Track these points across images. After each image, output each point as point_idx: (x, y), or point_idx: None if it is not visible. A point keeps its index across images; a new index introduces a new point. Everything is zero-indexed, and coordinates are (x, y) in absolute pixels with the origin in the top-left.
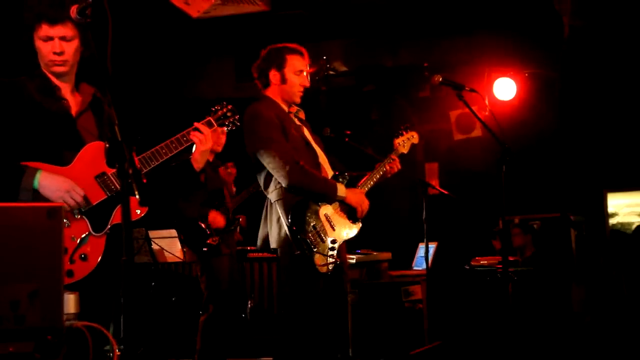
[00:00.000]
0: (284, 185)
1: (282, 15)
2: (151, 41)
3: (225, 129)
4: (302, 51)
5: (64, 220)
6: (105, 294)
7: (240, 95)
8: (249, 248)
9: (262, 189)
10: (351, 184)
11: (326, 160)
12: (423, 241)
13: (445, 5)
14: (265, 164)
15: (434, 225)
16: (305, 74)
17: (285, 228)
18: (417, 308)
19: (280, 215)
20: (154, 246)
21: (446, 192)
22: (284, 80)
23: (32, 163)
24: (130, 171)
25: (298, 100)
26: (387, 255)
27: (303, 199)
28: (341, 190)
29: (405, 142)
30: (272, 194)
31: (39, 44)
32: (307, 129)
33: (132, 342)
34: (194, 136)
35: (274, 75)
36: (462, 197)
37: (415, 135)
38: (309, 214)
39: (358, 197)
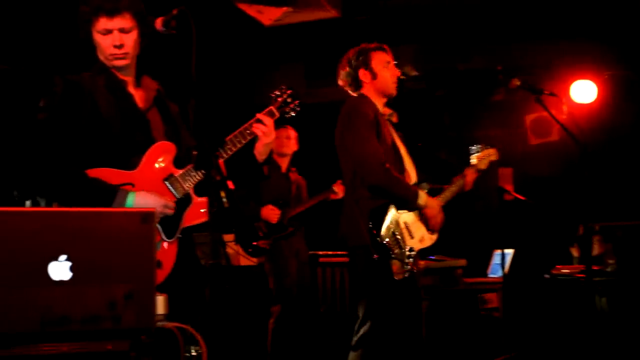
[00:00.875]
0: (366, 183)
1: (352, 21)
2: (221, 48)
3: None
4: (382, 46)
5: None
6: (181, 299)
7: (311, 101)
8: (320, 253)
9: (346, 185)
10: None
11: (413, 168)
12: (499, 248)
13: (518, 7)
14: (352, 158)
15: (510, 231)
16: (393, 64)
17: (365, 229)
18: (494, 316)
19: (361, 215)
20: (229, 249)
21: (523, 198)
22: (374, 75)
23: (104, 169)
24: (218, 178)
25: (394, 92)
26: (462, 261)
27: (384, 203)
28: (422, 198)
29: (484, 158)
30: (355, 192)
31: (97, 37)
32: (397, 134)
33: (218, 344)
34: (257, 128)
35: (363, 75)
36: (539, 203)
37: (494, 152)
38: (389, 219)
39: (435, 209)
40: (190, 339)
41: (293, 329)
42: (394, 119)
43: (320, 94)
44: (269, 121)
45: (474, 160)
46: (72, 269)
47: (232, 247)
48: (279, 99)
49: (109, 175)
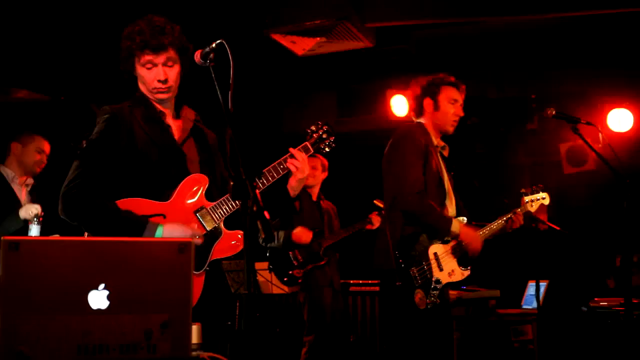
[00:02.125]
0: (399, 207)
1: (384, 51)
2: (254, 78)
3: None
4: (458, 84)
5: None
6: (210, 329)
7: (342, 130)
8: (351, 282)
9: (385, 209)
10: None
11: (453, 202)
12: (533, 279)
13: (551, 35)
14: (392, 182)
15: (545, 262)
16: (459, 104)
17: (391, 259)
18: (528, 349)
19: (392, 239)
20: (259, 277)
21: (557, 228)
22: (437, 107)
23: (137, 200)
24: (255, 208)
25: (451, 129)
26: (495, 292)
27: (415, 231)
28: (455, 226)
29: (535, 202)
30: (390, 217)
31: (141, 70)
32: (446, 167)
33: None
34: (291, 164)
35: (427, 104)
36: (574, 233)
37: (547, 197)
38: (417, 248)
39: (473, 235)
40: None
41: (325, 358)
42: (445, 153)
43: (352, 123)
44: (303, 157)
45: (526, 202)
46: (109, 297)
47: (263, 275)
48: (315, 135)
49: (142, 205)
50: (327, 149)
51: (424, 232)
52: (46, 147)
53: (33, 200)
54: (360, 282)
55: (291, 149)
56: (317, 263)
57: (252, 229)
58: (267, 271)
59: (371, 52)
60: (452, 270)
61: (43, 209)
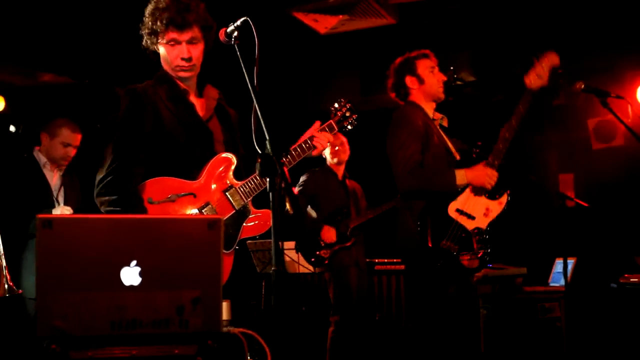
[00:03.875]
0: (400, 190)
1: (408, 27)
2: (276, 57)
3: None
4: (426, 53)
5: None
6: (237, 308)
7: (366, 108)
8: (376, 260)
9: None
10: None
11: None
12: (561, 256)
13: (579, 10)
14: (393, 168)
15: (572, 239)
16: (437, 69)
17: (414, 238)
18: (555, 326)
19: (411, 224)
20: (286, 257)
21: (585, 204)
22: (421, 80)
23: (167, 179)
24: (283, 185)
25: (442, 95)
26: (522, 270)
27: (426, 205)
28: (461, 176)
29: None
30: (403, 199)
31: (166, 48)
32: (450, 138)
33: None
34: (318, 142)
35: (410, 81)
36: (602, 210)
37: (553, 55)
38: (437, 221)
39: (481, 175)
40: (255, 345)
41: (352, 338)
42: (445, 123)
43: (376, 101)
44: (328, 135)
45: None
46: (141, 274)
47: (289, 255)
48: (339, 113)
49: (173, 185)
50: (349, 127)
51: (435, 201)
52: (73, 139)
53: (64, 184)
54: (386, 260)
55: (314, 131)
56: (344, 244)
57: (280, 205)
58: (294, 251)
59: (394, 29)
60: (487, 209)
61: (78, 205)
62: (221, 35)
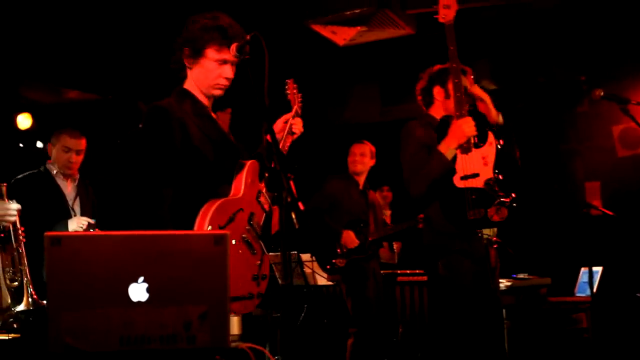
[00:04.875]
0: (412, 197)
1: (427, 38)
2: (297, 69)
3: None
4: (465, 69)
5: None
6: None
7: (386, 119)
8: (398, 272)
9: None
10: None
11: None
12: (586, 266)
13: (599, 15)
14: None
15: (598, 248)
16: (469, 90)
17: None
18: (583, 337)
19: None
20: (306, 269)
21: (611, 213)
22: (447, 95)
23: (219, 200)
24: (289, 199)
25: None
26: (546, 280)
27: (440, 201)
28: (444, 147)
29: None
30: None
31: (211, 65)
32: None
33: None
34: (295, 128)
35: (437, 92)
36: (628, 218)
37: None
38: (454, 203)
39: (456, 129)
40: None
41: (372, 349)
42: None
43: (396, 112)
44: (299, 120)
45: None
46: (149, 290)
47: (309, 267)
48: (298, 98)
49: (227, 205)
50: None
51: (443, 187)
52: (74, 144)
53: (79, 194)
54: (408, 272)
55: (288, 119)
56: (361, 255)
57: (287, 220)
58: (313, 262)
59: (413, 40)
60: (483, 158)
61: (94, 214)
62: (232, 49)
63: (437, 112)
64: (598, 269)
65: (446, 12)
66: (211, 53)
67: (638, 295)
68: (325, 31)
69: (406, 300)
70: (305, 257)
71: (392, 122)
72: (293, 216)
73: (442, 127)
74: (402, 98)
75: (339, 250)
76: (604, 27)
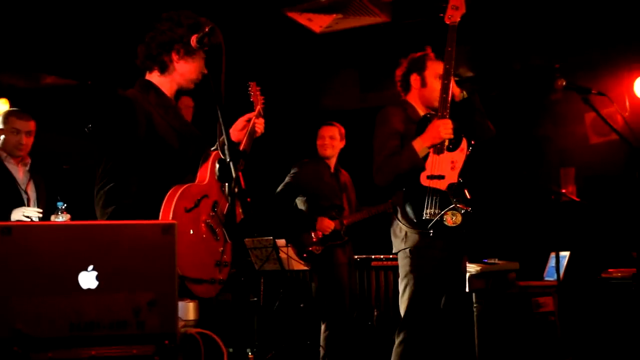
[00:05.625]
0: (377, 184)
1: (403, 25)
2: (276, 57)
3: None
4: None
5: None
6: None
7: (365, 106)
8: (373, 257)
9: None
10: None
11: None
12: (555, 250)
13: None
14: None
15: (566, 233)
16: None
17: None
18: (549, 320)
19: (397, 220)
20: (281, 254)
21: (577, 199)
22: (424, 83)
23: (186, 185)
24: (236, 190)
25: (437, 105)
26: (515, 264)
27: (405, 191)
28: (418, 143)
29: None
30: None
31: (195, 63)
32: None
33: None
34: (258, 127)
35: (414, 79)
36: (598, 204)
37: None
38: (415, 197)
39: (433, 129)
40: (212, 344)
41: (346, 336)
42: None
43: (374, 99)
44: (261, 119)
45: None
46: (98, 278)
47: (285, 252)
48: (261, 99)
49: (193, 190)
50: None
51: (410, 180)
52: (23, 125)
53: (33, 177)
54: (382, 257)
55: (251, 118)
56: (337, 242)
57: (234, 208)
58: (288, 247)
59: (391, 27)
60: (452, 162)
61: (48, 198)
62: (192, 41)
63: (414, 99)
64: (565, 254)
65: (453, 13)
66: (193, 49)
67: (598, 278)
68: (302, 19)
69: (381, 284)
70: (281, 242)
71: (371, 109)
72: (239, 207)
73: (422, 124)
74: (381, 84)
75: (314, 239)
76: (581, 14)
